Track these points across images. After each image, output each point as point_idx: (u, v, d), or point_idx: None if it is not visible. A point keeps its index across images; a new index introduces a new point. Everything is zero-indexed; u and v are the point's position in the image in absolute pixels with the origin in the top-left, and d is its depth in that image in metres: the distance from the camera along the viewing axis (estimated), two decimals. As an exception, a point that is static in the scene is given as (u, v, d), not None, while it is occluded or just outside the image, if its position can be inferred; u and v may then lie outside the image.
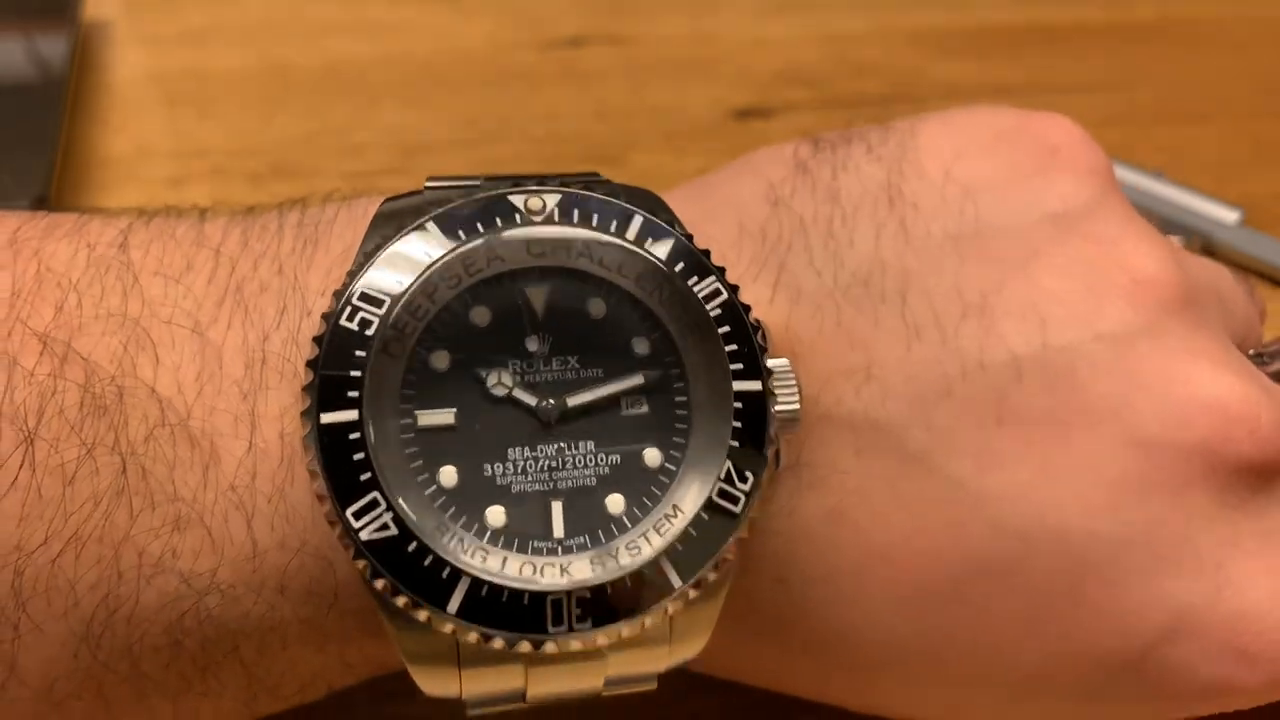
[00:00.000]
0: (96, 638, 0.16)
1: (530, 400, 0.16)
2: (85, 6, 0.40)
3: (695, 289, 0.17)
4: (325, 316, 0.16)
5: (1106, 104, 0.41)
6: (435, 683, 0.16)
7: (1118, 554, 0.18)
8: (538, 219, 0.16)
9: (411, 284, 0.16)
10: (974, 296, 0.18)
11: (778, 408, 0.17)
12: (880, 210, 0.19)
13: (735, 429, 0.16)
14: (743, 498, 0.16)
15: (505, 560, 0.16)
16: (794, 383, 0.17)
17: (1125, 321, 0.18)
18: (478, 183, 0.18)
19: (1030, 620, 0.18)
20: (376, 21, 0.44)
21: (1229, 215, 0.35)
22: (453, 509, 0.16)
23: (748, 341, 0.17)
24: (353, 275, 0.16)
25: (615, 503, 0.16)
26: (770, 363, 0.17)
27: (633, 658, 0.17)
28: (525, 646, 0.15)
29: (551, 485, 0.16)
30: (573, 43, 0.44)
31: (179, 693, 0.17)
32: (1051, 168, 0.20)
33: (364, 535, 0.15)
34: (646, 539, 0.16)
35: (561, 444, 0.16)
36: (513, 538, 0.16)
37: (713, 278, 0.17)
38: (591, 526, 0.16)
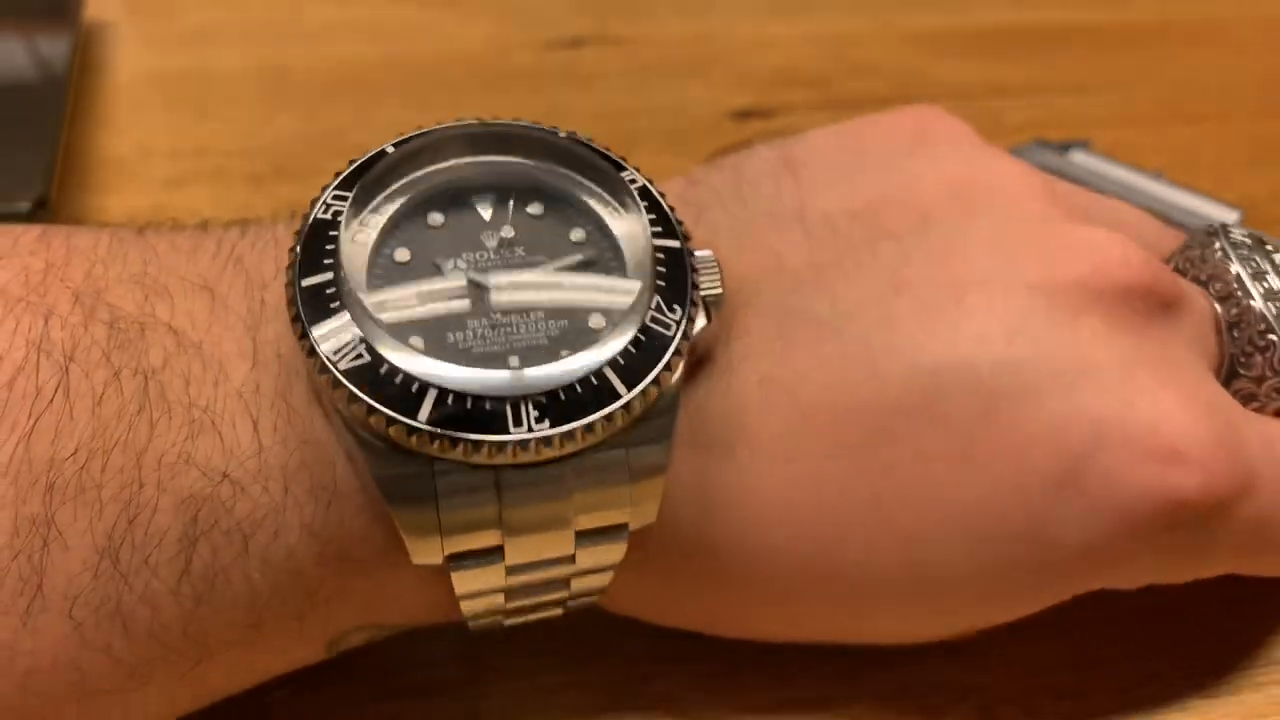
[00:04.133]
0: (116, 549, 0.17)
1: (484, 280, 0.19)
2: (86, 7, 0.40)
3: (620, 174, 0.20)
4: (304, 215, 0.19)
5: (1106, 104, 0.41)
6: (416, 523, 0.18)
7: (1025, 377, 0.19)
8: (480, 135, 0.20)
9: (376, 190, 0.19)
10: (862, 207, 0.22)
11: (704, 291, 0.19)
12: (779, 172, 0.23)
13: (659, 272, 0.19)
14: (674, 324, 0.18)
15: (471, 376, 0.17)
16: (717, 269, 0.20)
17: (995, 212, 0.21)
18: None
19: (960, 452, 0.19)
20: (377, 22, 0.44)
21: (1229, 215, 0.35)
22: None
23: (663, 213, 0.20)
24: (325, 188, 0.19)
25: (565, 353, 0.18)
26: (697, 253, 0.20)
27: (598, 499, 0.18)
28: (492, 446, 0.17)
29: (508, 345, 0.18)
30: (573, 43, 0.44)
31: (190, 614, 0.18)
32: (923, 134, 0.23)
33: (341, 365, 0.17)
34: (591, 356, 0.18)
35: (514, 314, 0.19)
36: (473, 364, 0.18)
37: (632, 169, 0.20)
38: (542, 360, 0.18)
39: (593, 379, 0.17)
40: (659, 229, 0.19)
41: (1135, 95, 0.42)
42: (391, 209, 0.19)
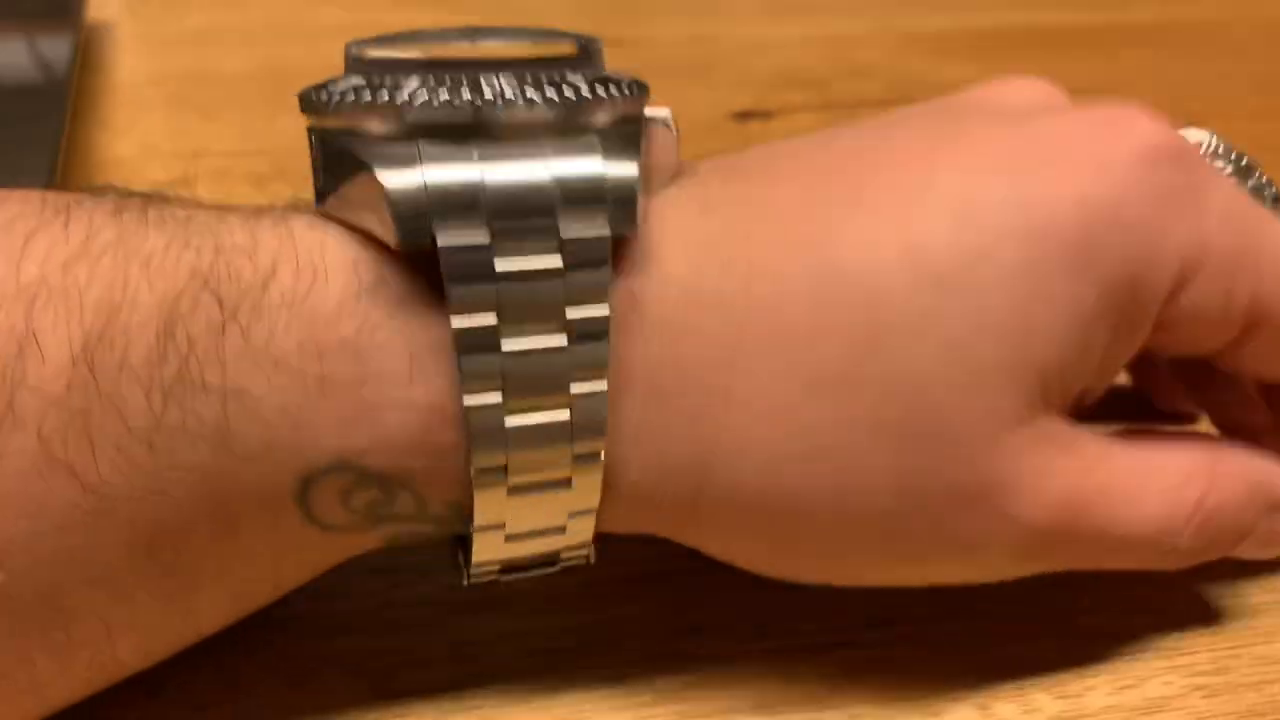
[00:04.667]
0: (91, 351, 0.17)
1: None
2: (88, 8, 0.40)
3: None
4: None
5: (1106, 105, 0.41)
6: (398, 179, 0.18)
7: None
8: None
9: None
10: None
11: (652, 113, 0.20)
12: None
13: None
14: (627, 79, 0.20)
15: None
16: (672, 125, 0.21)
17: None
18: None
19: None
20: (378, 23, 0.44)
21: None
22: None
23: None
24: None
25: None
26: (657, 110, 0.21)
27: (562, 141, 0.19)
28: (468, 97, 0.18)
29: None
30: (573, 44, 0.44)
31: (157, 421, 0.17)
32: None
33: (336, 89, 0.19)
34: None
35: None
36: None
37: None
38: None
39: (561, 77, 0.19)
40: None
41: (1135, 95, 0.42)
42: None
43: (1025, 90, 0.23)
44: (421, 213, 0.17)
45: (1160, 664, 0.23)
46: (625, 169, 0.19)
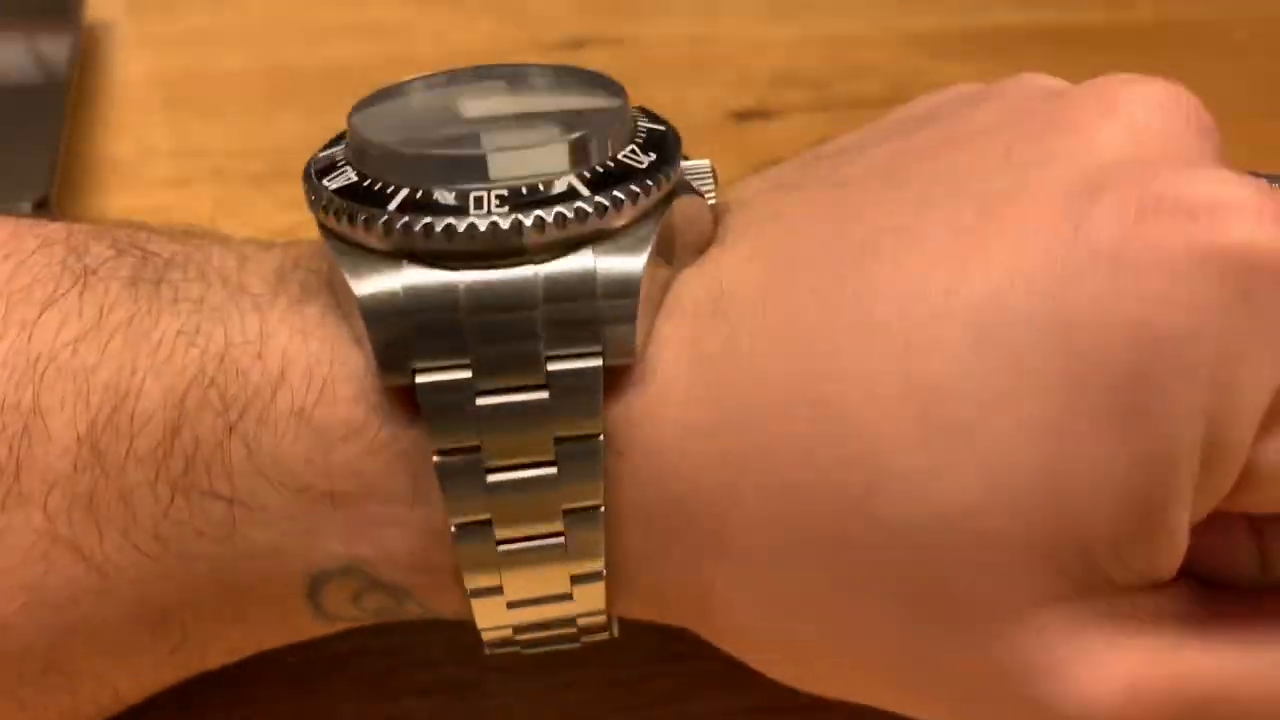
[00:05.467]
0: (98, 436, 0.17)
1: (456, 101, 0.19)
2: (87, 8, 0.40)
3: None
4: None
5: (1106, 105, 0.41)
6: (373, 284, 0.17)
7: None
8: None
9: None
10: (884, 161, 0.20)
11: (709, 195, 0.19)
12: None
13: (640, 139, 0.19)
14: (647, 161, 0.18)
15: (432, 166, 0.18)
16: (711, 177, 0.19)
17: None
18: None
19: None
20: (378, 23, 0.44)
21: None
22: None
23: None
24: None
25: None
26: (690, 161, 0.19)
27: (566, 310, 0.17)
28: (449, 222, 0.17)
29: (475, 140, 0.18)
30: (573, 44, 0.44)
31: (164, 512, 0.17)
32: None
33: (331, 187, 0.18)
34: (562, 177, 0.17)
35: (485, 120, 0.18)
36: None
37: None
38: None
39: (555, 180, 0.17)
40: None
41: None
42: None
43: (1033, 87, 0.20)
44: (396, 342, 0.17)
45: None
46: (623, 289, 0.17)
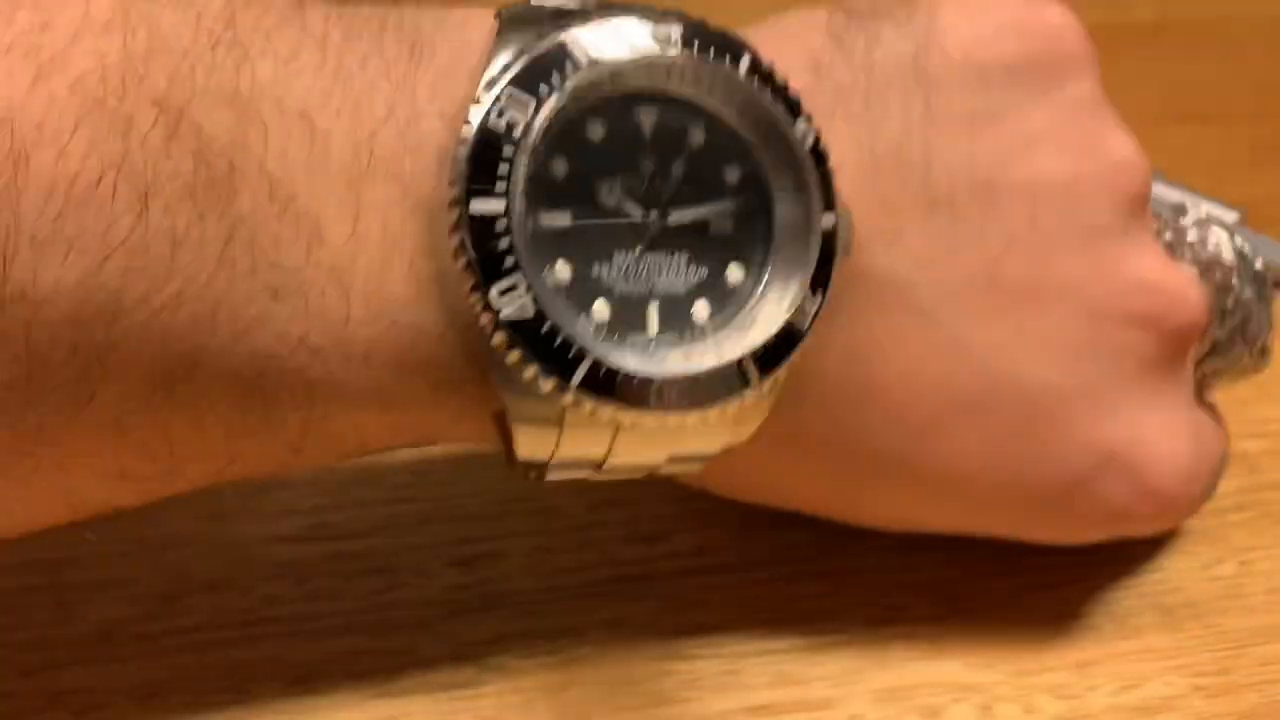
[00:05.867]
0: (174, 383, 0.17)
1: (635, 213, 0.19)
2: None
3: (793, 128, 0.19)
4: (473, 112, 0.17)
5: (1106, 105, 0.41)
6: (533, 445, 0.19)
7: (1064, 405, 0.22)
8: (667, 47, 0.18)
9: (548, 96, 0.18)
10: (982, 174, 0.21)
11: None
12: (909, 86, 0.21)
13: (814, 256, 0.19)
14: (810, 314, 0.19)
15: (616, 348, 0.18)
16: (852, 226, 0.20)
17: (1099, 215, 0.22)
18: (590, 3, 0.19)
19: (991, 454, 0.22)
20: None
21: (1227, 216, 0.35)
22: (567, 300, 0.18)
23: (828, 181, 0.19)
24: (493, 82, 0.18)
25: (701, 309, 0.19)
26: (827, 217, 0.20)
27: (700, 435, 0.19)
28: (629, 418, 0.18)
29: (649, 289, 0.19)
30: (573, 44, 0.44)
31: (237, 432, 0.18)
32: (1059, 58, 0.23)
33: (504, 314, 0.17)
34: (731, 341, 0.19)
35: (659, 253, 0.19)
36: (614, 330, 0.18)
37: (804, 119, 0.19)
38: (681, 327, 0.19)
39: (731, 368, 0.18)
40: (821, 204, 0.19)
41: (1135, 95, 0.42)
42: (554, 106, 0.18)
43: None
44: (544, 453, 0.19)
45: (1161, 664, 0.23)
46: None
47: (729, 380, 0.18)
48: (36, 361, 0.16)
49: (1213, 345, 0.24)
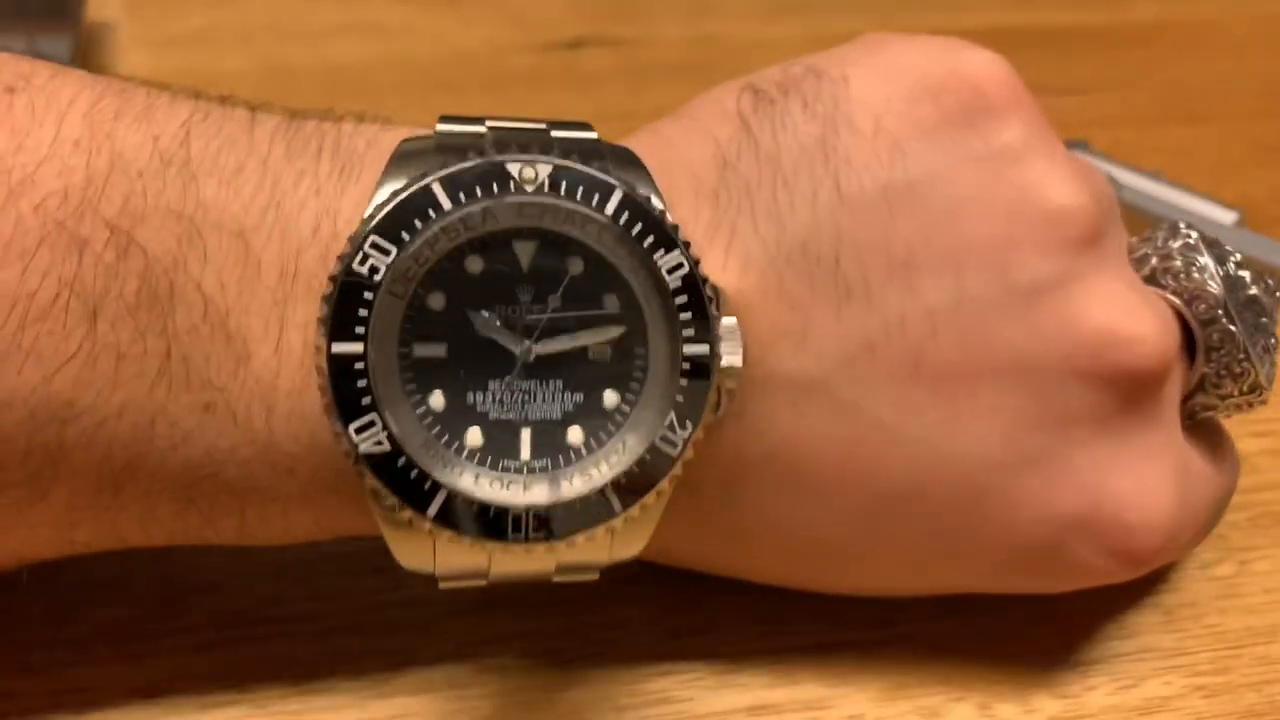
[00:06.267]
0: (119, 485, 0.19)
1: (511, 343, 0.19)
2: (88, 8, 0.40)
3: (661, 261, 0.19)
4: (340, 258, 0.18)
5: (1105, 104, 0.41)
6: (412, 559, 0.19)
7: (1011, 479, 0.21)
8: (530, 188, 0.19)
9: (416, 237, 0.18)
10: (900, 252, 0.20)
11: (724, 362, 0.19)
12: (816, 169, 0.21)
13: (681, 386, 0.19)
14: (680, 444, 0.19)
15: (478, 477, 0.19)
16: (739, 341, 0.19)
17: (1035, 271, 0.20)
18: (483, 130, 0.20)
19: (942, 535, 0.21)
20: (377, 24, 0.44)
21: (1227, 216, 0.35)
22: (439, 428, 0.19)
23: (702, 310, 0.19)
24: (366, 223, 0.18)
25: (575, 434, 0.19)
26: (723, 322, 0.19)
27: (582, 551, 0.19)
28: (489, 546, 0.19)
29: (523, 415, 0.19)
30: (572, 45, 0.44)
31: (179, 531, 0.20)
32: (978, 112, 0.21)
33: (362, 449, 0.18)
34: (597, 468, 0.19)
35: (534, 381, 0.19)
36: (486, 456, 0.19)
37: (677, 251, 0.19)
38: (554, 453, 0.19)
39: (592, 497, 0.19)
40: (691, 331, 0.19)
41: (1134, 95, 0.42)
42: (415, 251, 0.18)
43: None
44: (427, 567, 0.19)
45: (1160, 664, 0.23)
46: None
47: (594, 508, 0.19)
48: None
49: (1201, 380, 0.23)
